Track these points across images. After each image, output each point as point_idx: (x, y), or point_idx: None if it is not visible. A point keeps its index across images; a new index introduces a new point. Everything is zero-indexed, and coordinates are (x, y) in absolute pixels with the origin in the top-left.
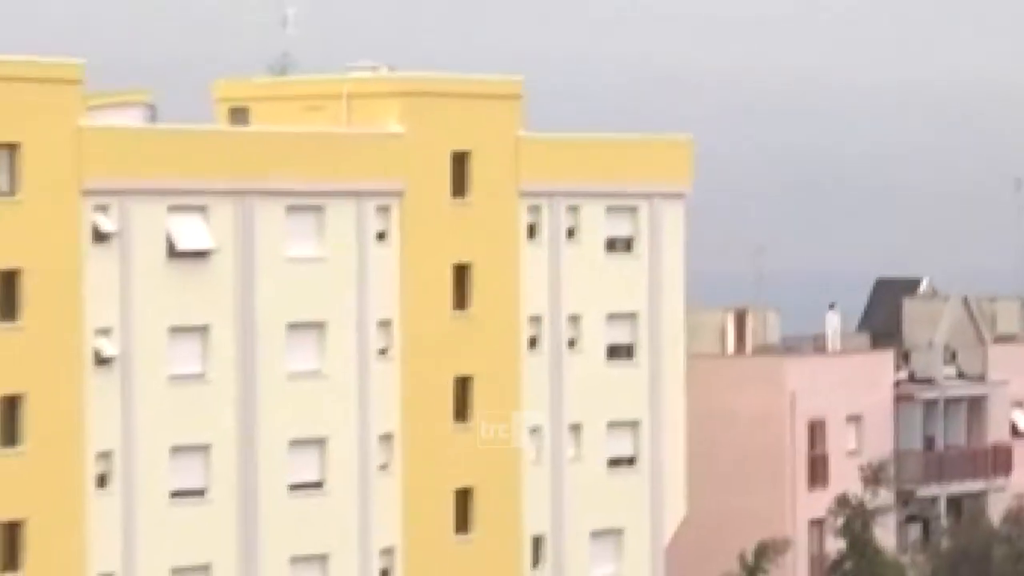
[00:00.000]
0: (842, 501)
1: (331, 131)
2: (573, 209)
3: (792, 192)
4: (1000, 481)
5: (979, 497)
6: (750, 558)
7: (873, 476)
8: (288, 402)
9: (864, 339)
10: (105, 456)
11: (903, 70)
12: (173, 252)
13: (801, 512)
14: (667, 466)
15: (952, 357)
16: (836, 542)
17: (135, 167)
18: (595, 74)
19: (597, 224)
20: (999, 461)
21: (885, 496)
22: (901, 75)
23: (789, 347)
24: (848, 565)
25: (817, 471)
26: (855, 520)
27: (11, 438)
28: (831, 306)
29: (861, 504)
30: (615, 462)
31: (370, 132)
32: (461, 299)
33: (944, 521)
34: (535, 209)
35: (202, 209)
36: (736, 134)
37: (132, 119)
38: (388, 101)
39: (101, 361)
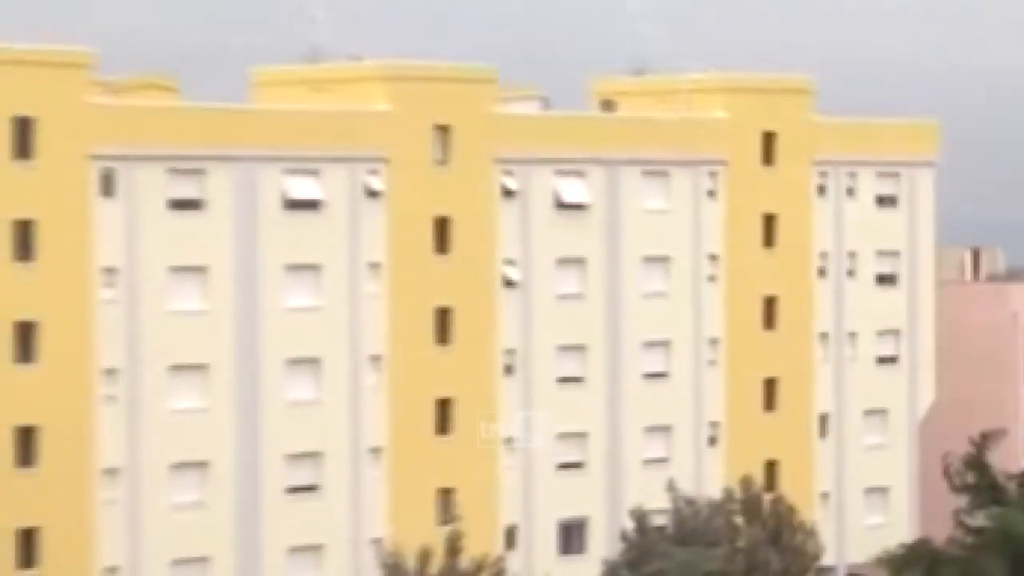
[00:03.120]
0: None
1: (673, 116)
2: (852, 174)
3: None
4: None
5: None
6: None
7: None
8: (643, 314)
9: None
10: (510, 352)
11: None
12: (560, 204)
13: (1021, 402)
14: (921, 364)
15: None
16: None
17: (533, 143)
18: (876, 67)
19: (869, 185)
20: None
21: None
22: None
23: (1013, 276)
24: None
25: None
26: None
27: (443, 339)
28: None
29: None
30: (882, 360)
31: (701, 117)
32: (769, 239)
33: None
34: (824, 174)
35: (580, 173)
36: (969, 115)
37: (531, 108)
38: (714, 95)
39: (508, 284)
